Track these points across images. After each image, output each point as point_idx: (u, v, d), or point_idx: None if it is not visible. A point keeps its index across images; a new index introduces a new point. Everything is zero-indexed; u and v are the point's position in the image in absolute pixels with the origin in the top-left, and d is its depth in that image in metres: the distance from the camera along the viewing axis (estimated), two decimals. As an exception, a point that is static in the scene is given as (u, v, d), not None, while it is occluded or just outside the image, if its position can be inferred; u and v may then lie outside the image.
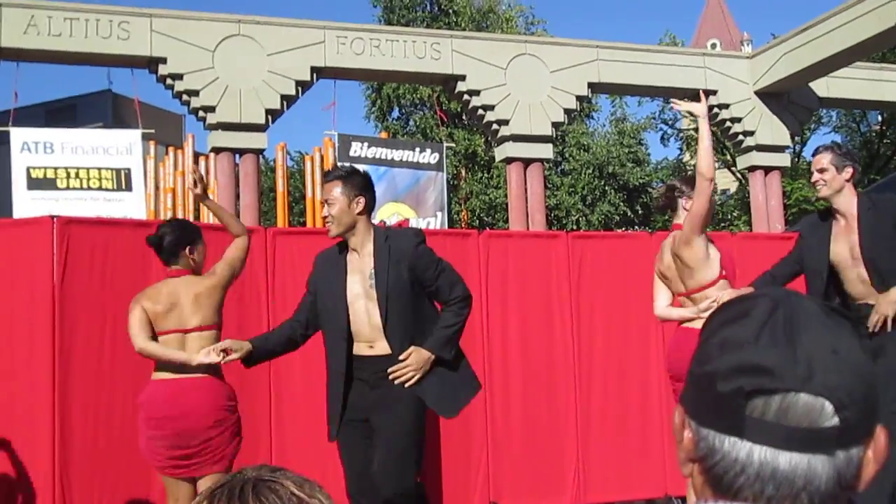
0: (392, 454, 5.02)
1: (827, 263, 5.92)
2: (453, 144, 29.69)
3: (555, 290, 8.30)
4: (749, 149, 18.95)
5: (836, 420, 1.13)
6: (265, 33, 16.08)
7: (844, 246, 5.88)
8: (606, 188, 33.55)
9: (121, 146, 15.77)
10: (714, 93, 18.50)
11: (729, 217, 38.61)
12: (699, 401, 1.20)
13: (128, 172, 15.65)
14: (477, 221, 30.81)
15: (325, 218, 5.29)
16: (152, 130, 17.60)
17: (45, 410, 6.72)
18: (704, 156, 5.53)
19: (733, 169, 35.42)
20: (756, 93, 18.59)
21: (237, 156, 16.28)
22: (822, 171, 5.93)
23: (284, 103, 16.17)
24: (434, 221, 16.84)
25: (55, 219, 7.00)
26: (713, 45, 69.08)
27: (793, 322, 1.18)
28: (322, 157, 18.28)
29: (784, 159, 19.49)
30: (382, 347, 5.09)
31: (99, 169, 15.47)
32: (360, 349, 5.18)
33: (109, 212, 14.48)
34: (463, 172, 31.85)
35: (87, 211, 14.08)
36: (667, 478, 8.22)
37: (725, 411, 1.16)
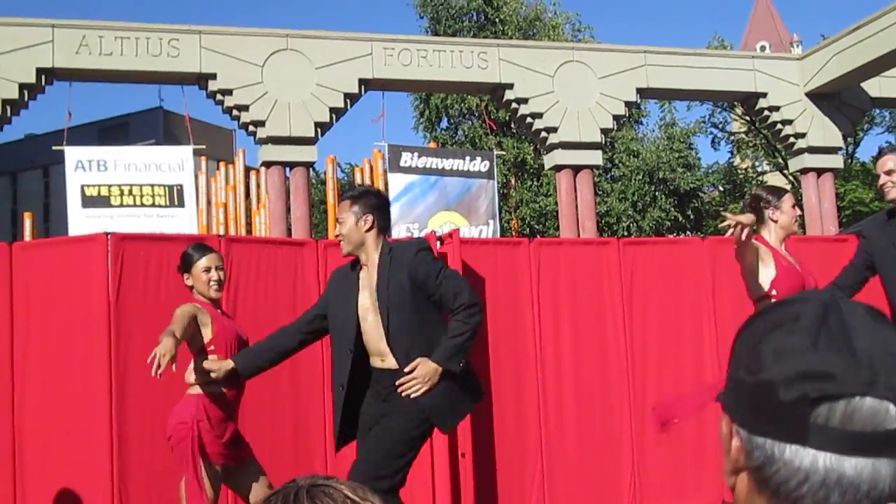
0: (374, 453, 5.02)
1: None
2: (502, 153, 29.71)
3: (607, 297, 8.26)
4: (801, 151, 18.75)
5: None
6: (313, 47, 16.19)
7: None
8: (657, 194, 33.42)
9: (173, 162, 15.93)
10: (764, 95, 18.35)
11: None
12: (754, 409, 1.18)
13: (180, 188, 15.79)
14: (527, 230, 30.82)
15: (337, 236, 5.39)
16: (203, 146, 17.77)
17: (103, 425, 6.79)
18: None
19: (785, 172, 35.09)
20: (807, 94, 18.40)
21: (288, 169, 16.38)
22: (889, 172, 5.85)
23: (333, 116, 16.26)
24: (486, 230, 16.82)
25: (109, 235, 7.08)
26: (762, 48, 68.52)
27: (846, 326, 1.17)
28: (372, 169, 18.34)
29: (837, 161, 19.26)
30: (391, 361, 5.08)
31: (152, 185, 15.63)
32: (374, 362, 5.20)
33: (162, 228, 14.61)
34: (512, 181, 31.86)
35: (140, 227, 14.23)
36: (723, 485, 8.12)
37: (787, 419, 1.14)
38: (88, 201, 15.32)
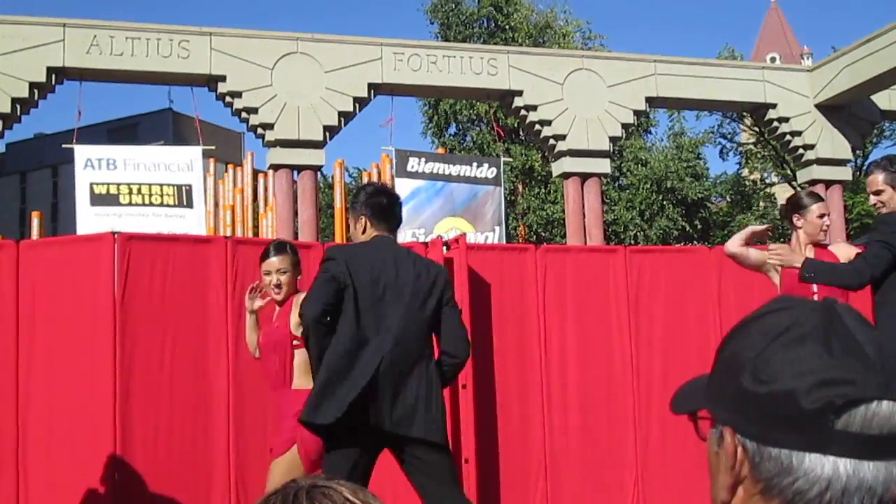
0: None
1: None
2: (510, 160, 29.72)
3: (613, 305, 8.25)
4: (809, 162, 18.73)
5: None
6: (323, 51, 16.21)
7: None
8: (664, 203, 33.40)
9: (182, 162, 15.96)
10: (774, 106, 18.33)
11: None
12: (767, 419, 1.16)
13: (189, 189, 15.81)
14: (534, 237, 30.82)
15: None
16: (213, 147, 17.79)
17: (107, 423, 6.80)
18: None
19: (794, 183, 35.08)
20: (816, 106, 18.38)
21: (295, 172, 16.39)
22: (877, 192, 5.72)
23: (342, 120, 16.27)
24: (492, 236, 16.83)
25: (116, 235, 7.10)
26: (772, 60, 68.53)
27: (851, 330, 1.17)
28: (380, 173, 18.36)
29: (845, 173, 19.24)
30: None
31: (161, 185, 15.66)
32: None
33: (171, 227, 14.64)
34: (520, 188, 31.89)
35: (148, 226, 14.26)
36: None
37: (809, 428, 1.13)
38: (97, 199, 15.35)
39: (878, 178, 5.69)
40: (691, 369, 8.34)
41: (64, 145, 16.30)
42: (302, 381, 5.57)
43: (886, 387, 1.12)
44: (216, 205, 21.72)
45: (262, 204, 21.11)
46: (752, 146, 41.78)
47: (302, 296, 5.34)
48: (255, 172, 22.31)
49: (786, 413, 1.15)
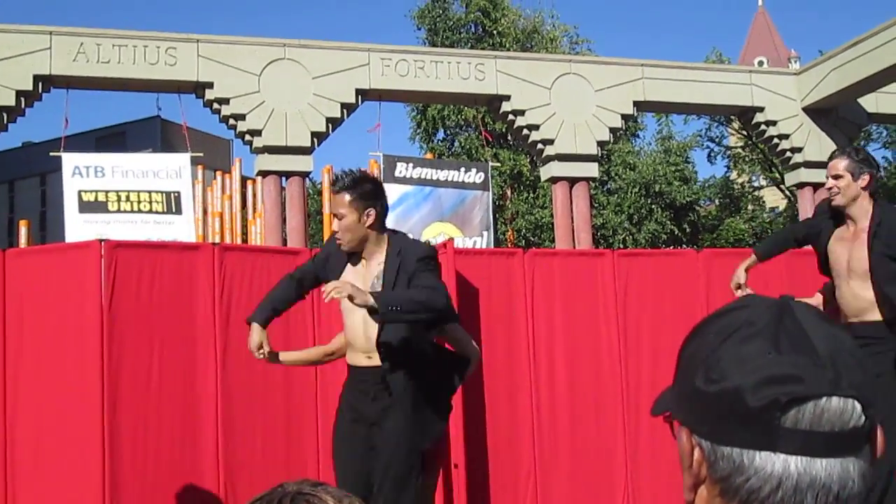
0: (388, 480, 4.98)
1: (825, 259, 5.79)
2: (498, 164, 29.72)
3: (601, 309, 8.25)
4: (797, 165, 18.77)
5: (863, 419, 1.13)
6: (310, 57, 16.19)
7: (843, 254, 5.66)
8: (653, 207, 33.46)
9: (170, 169, 15.92)
10: (761, 109, 18.37)
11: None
12: (717, 419, 1.16)
13: (177, 195, 15.78)
14: (523, 241, 30.84)
15: (334, 232, 5.06)
16: (201, 154, 17.76)
17: (95, 432, 6.77)
18: None
19: (782, 186, 35.16)
20: (804, 109, 18.43)
21: (283, 179, 16.37)
22: (836, 177, 5.65)
23: (330, 126, 16.25)
24: (480, 241, 16.83)
25: (103, 242, 7.08)
26: (760, 63, 68.70)
27: (802, 327, 1.17)
28: (368, 179, 18.33)
29: (832, 177, 19.27)
30: (377, 359, 4.96)
31: (149, 192, 15.62)
32: (357, 360, 5.11)
33: (160, 234, 14.61)
34: (508, 192, 31.89)
35: (137, 233, 14.23)
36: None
37: (757, 426, 1.13)
38: (86, 206, 15.30)
39: (840, 164, 5.65)
40: (680, 372, 8.36)
41: (52, 153, 16.26)
42: None
43: (836, 383, 1.12)
44: (204, 212, 21.67)
45: (250, 211, 21.09)
46: (739, 150, 41.89)
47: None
48: (244, 179, 22.30)
49: (734, 411, 1.14)
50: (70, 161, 15.59)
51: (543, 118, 17.09)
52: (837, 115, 18.74)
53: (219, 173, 22.97)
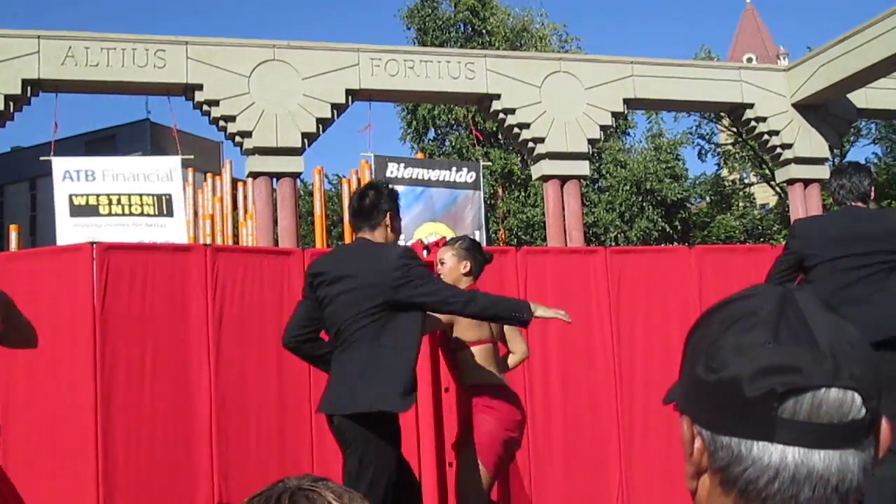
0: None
1: None
2: (490, 164, 29.72)
3: (594, 306, 8.26)
4: (787, 162, 18.79)
5: (863, 411, 1.12)
6: (299, 57, 16.17)
7: None
8: (644, 204, 33.50)
9: (161, 172, 15.90)
10: (751, 106, 18.39)
11: (769, 231, 38.37)
12: (717, 408, 1.16)
13: (168, 198, 15.76)
14: (515, 240, 30.86)
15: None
16: (191, 157, 17.74)
17: (89, 434, 6.77)
18: None
19: (772, 183, 35.20)
20: (793, 105, 18.44)
21: (274, 180, 16.34)
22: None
23: (320, 126, 16.23)
24: (472, 240, 16.83)
25: (95, 245, 7.06)
26: (749, 60, 68.76)
27: (804, 317, 1.16)
28: (359, 180, 18.32)
29: (823, 171, 19.28)
30: None
31: (140, 195, 15.59)
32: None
33: (152, 237, 14.58)
34: (500, 191, 31.88)
35: (129, 236, 14.20)
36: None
37: (754, 416, 1.12)
38: (76, 210, 15.27)
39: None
40: (673, 369, 8.35)
41: (42, 158, 16.22)
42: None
43: (835, 375, 1.11)
44: (195, 214, 21.65)
45: (241, 212, 21.06)
46: (730, 147, 41.93)
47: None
48: (234, 181, 22.26)
49: (732, 401, 1.14)
50: (60, 165, 15.55)
51: (534, 116, 17.09)
52: (827, 111, 18.76)
53: (209, 175, 22.92)
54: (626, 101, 17.82)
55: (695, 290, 8.38)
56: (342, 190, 21.09)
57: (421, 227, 16.56)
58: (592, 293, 8.28)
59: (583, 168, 17.75)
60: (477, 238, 16.87)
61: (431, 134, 36.66)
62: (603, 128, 17.71)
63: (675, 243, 33.76)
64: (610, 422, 8.16)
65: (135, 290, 7.10)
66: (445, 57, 17.40)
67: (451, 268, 5.95)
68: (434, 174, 17.17)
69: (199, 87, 15.58)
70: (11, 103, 14.93)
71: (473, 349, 5.83)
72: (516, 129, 17.31)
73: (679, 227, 35.52)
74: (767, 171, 35.61)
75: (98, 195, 15.39)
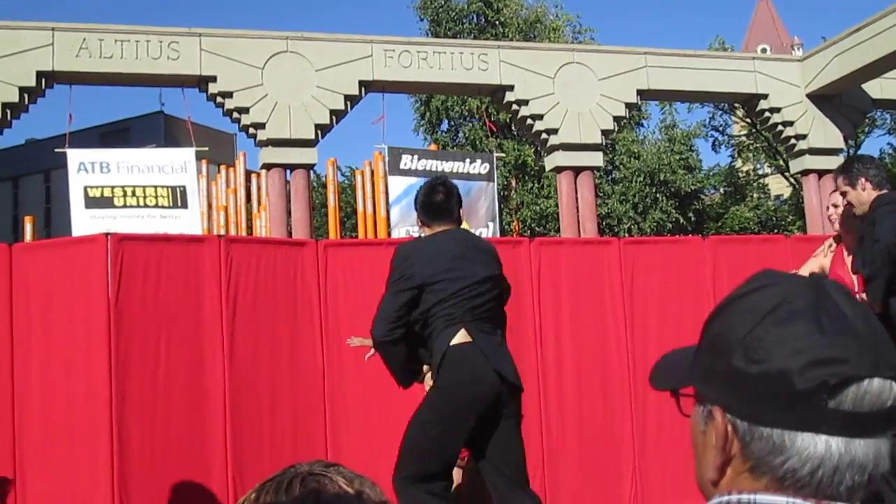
0: None
1: None
2: (503, 155, 29.67)
3: (608, 297, 8.26)
4: (802, 152, 18.71)
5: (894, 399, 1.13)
6: (313, 49, 16.17)
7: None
8: (658, 196, 33.41)
9: (175, 164, 15.92)
10: (765, 97, 18.32)
11: (783, 222, 38.24)
12: (760, 399, 1.16)
13: (183, 190, 15.78)
14: (528, 231, 30.82)
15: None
16: (205, 148, 17.74)
17: (103, 424, 6.79)
18: None
19: (787, 174, 35.07)
20: (808, 96, 18.37)
21: (288, 172, 16.36)
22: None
23: (334, 118, 16.24)
24: (486, 232, 16.81)
25: (109, 236, 7.08)
26: (763, 50, 68.47)
27: (840, 307, 1.16)
28: (372, 172, 18.32)
29: (838, 162, 19.04)
30: None
31: (155, 187, 15.62)
32: None
33: (166, 228, 14.60)
34: (513, 183, 31.87)
35: (144, 228, 14.22)
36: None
37: (802, 408, 1.13)
38: (92, 202, 15.31)
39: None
40: (687, 359, 8.35)
41: (57, 150, 16.25)
42: None
43: (877, 364, 1.12)
44: (209, 206, 21.65)
45: (255, 204, 21.07)
46: (744, 138, 41.78)
47: None
48: (248, 173, 22.26)
49: (778, 393, 1.14)
50: (75, 157, 15.59)
51: (547, 108, 17.06)
52: (842, 102, 18.68)
53: (223, 167, 22.93)
54: (639, 91, 17.77)
55: (708, 281, 8.37)
56: (355, 181, 21.10)
57: (435, 219, 16.52)
58: (606, 284, 8.27)
59: (596, 159, 17.71)
60: (490, 229, 16.88)
61: (445, 125, 36.63)
62: (616, 119, 17.67)
63: (690, 234, 33.69)
64: (623, 413, 8.15)
65: (149, 281, 7.12)
66: (459, 48, 17.37)
67: None
68: (447, 166, 17.16)
69: (213, 78, 15.60)
70: (26, 95, 14.97)
71: None
72: (529, 121, 17.29)
73: (693, 219, 35.41)
74: (781, 162, 35.47)
75: (113, 187, 15.42)
